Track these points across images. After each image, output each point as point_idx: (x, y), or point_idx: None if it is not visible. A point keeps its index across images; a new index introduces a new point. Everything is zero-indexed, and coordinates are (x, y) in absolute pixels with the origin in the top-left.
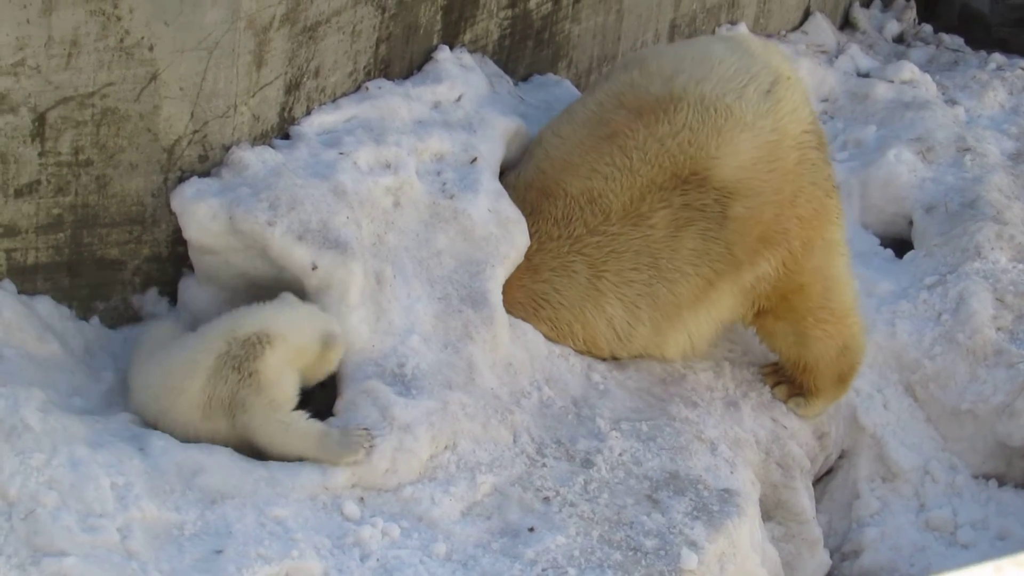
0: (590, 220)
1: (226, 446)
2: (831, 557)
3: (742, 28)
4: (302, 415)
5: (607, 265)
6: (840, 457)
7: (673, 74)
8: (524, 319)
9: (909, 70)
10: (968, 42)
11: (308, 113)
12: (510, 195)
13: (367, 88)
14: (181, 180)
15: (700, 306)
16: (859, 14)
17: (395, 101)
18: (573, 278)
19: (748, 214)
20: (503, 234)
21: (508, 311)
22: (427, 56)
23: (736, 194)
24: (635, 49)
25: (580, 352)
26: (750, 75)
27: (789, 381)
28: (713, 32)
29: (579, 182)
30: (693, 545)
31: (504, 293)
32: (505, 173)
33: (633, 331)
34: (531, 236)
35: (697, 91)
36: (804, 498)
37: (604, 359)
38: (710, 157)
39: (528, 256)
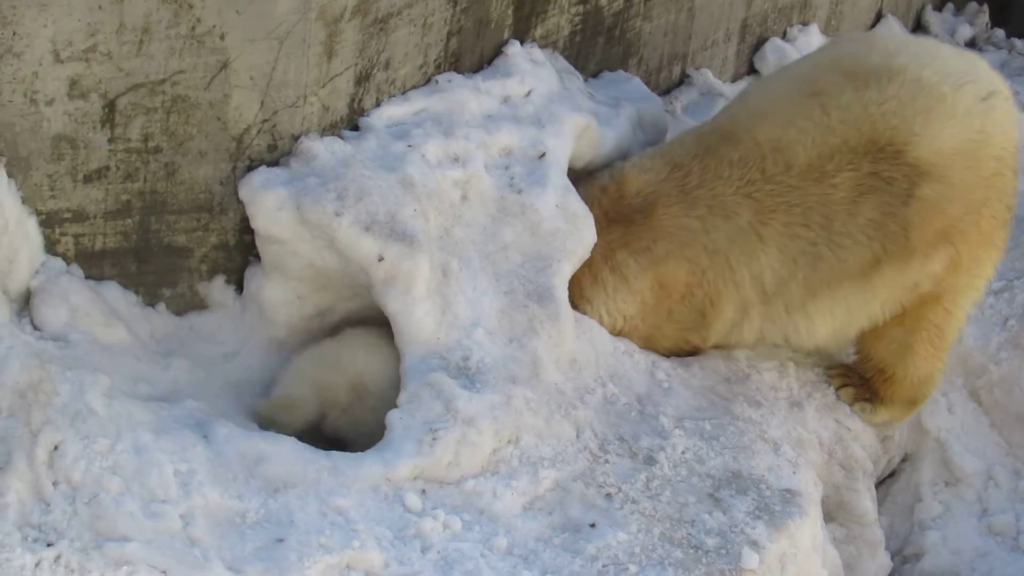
0: (769, 168)
1: None
2: (892, 560)
3: (813, 29)
4: None
5: (776, 215)
6: (903, 460)
7: (897, 52)
8: (665, 254)
9: None
10: None
11: (378, 105)
12: (688, 139)
13: (437, 81)
14: (250, 169)
15: (861, 285)
16: (931, 17)
17: (465, 95)
18: (731, 220)
19: (934, 200)
20: (570, 229)
21: (651, 241)
22: (497, 50)
23: (927, 176)
24: (706, 49)
25: (691, 312)
26: (972, 77)
27: (858, 384)
28: (784, 33)
29: (770, 130)
30: (754, 544)
31: (653, 220)
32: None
33: (784, 287)
34: (696, 173)
35: (916, 71)
36: (866, 500)
37: (708, 340)
38: (911, 133)
39: (687, 190)
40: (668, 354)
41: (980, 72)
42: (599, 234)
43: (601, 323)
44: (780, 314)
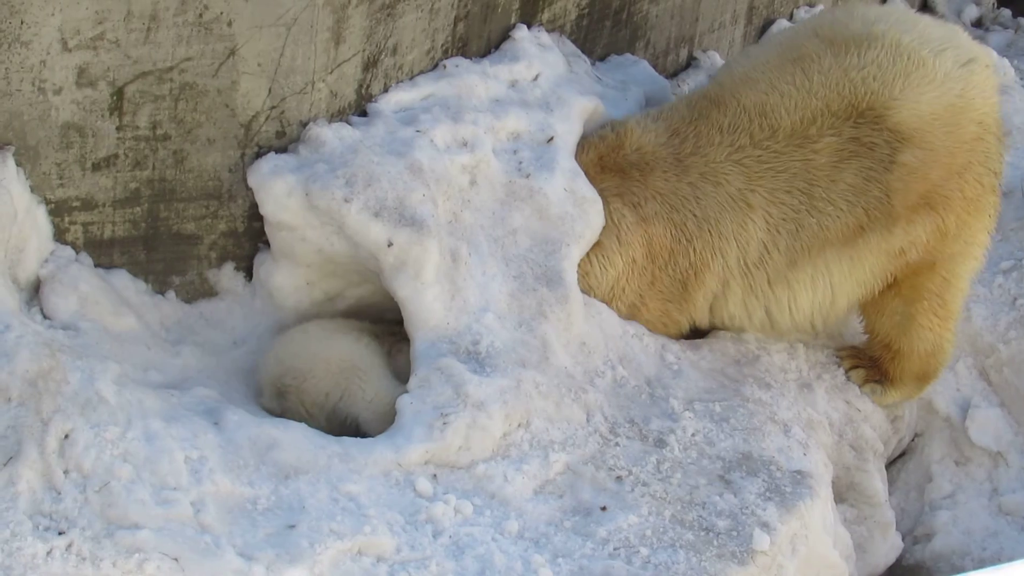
0: (756, 133)
1: None
2: (903, 540)
3: (820, 9)
4: None
5: (762, 181)
6: (913, 440)
7: (877, 20)
8: (654, 214)
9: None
10: None
11: (385, 90)
12: (682, 105)
13: (444, 66)
14: (258, 156)
15: (845, 253)
16: None
17: (472, 79)
18: (722, 187)
19: (916, 165)
20: (579, 213)
21: (643, 199)
22: (505, 35)
23: (908, 141)
24: (712, 31)
25: (672, 281)
26: (952, 44)
27: (868, 366)
28: (791, 15)
29: (755, 95)
30: (765, 526)
31: (648, 180)
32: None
33: (768, 257)
34: (691, 140)
35: (895, 37)
36: (877, 481)
37: (693, 316)
38: (891, 97)
39: (680, 157)
40: (653, 326)
41: (960, 39)
42: (593, 180)
43: (592, 272)
44: (762, 286)
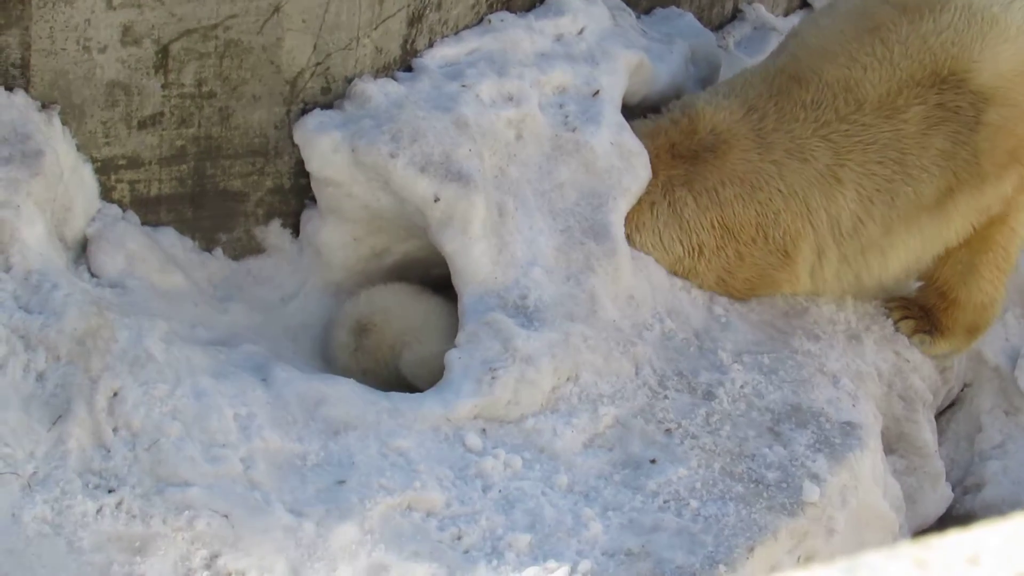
0: (842, 108)
1: None
2: (953, 490)
3: None
4: None
5: (852, 155)
6: (962, 390)
7: None
8: (733, 197)
9: None
10: None
11: (430, 46)
12: (756, 79)
13: (489, 21)
14: (304, 112)
15: (936, 215)
16: None
17: (518, 34)
18: (808, 163)
19: (1002, 123)
20: (625, 166)
21: (719, 183)
22: None
23: (992, 101)
24: None
25: (771, 252)
26: None
27: (917, 316)
28: None
29: (836, 70)
30: (815, 478)
31: (725, 163)
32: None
33: (862, 227)
34: (772, 116)
35: None
36: (926, 431)
37: (796, 281)
38: (971, 60)
39: (762, 135)
40: (750, 294)
41: None
42: (662, 167)
43: (650, 255)
44: (855, 255)
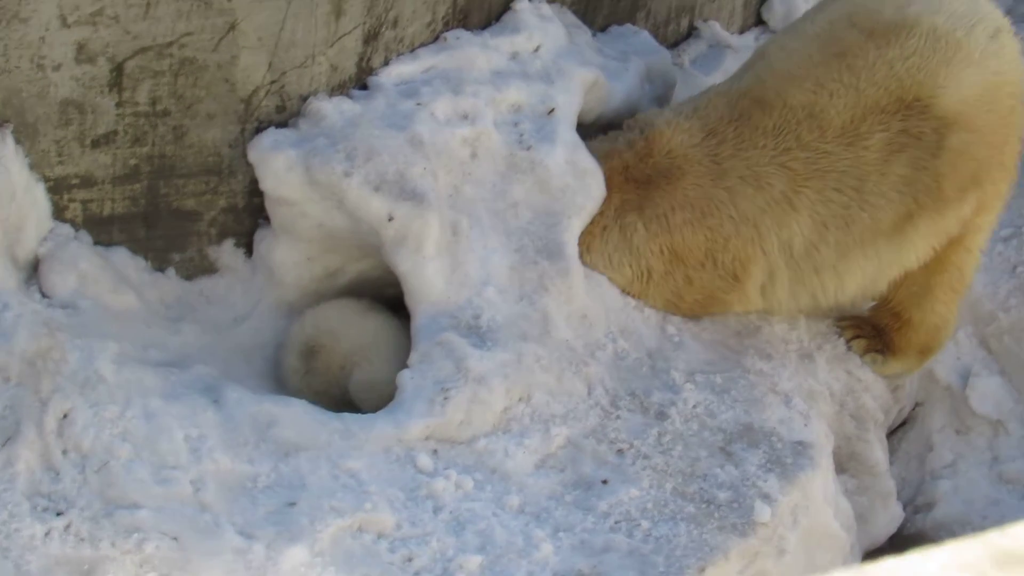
0: (804, 135)
1: None
2: (904, 510)
3: None
4: None
5: (809, 182)
6: (914, 409)
7: (906, 3)
8: (682, 222)
9: None
10: None
11: (386, 63)
12: (720, 102)
13: (445, 38)
14: (258, 131)
15: (894, 240)
16: None
17: (473, 52)
18: (763, 190)
19: (963, 147)
20: (580, 185)
21: (669, 210)
22: (505, 6)
23: (955, 126)
24: (713, 0)
25: (720, 277)
26: (978, 17)
27: (869, 336)
28: None
29: (802, 95)
30: (766, 498)
31: (677, 188)
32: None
33: (815, 251)
34: (730, 142)
35: (930, 21)
36: (878, 451)
37: (747, 302)
38: (936, 86)
39: (718, 160)
40: (700, 314)
41: (982, 9)
42: (615, 189)
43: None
44: (810, 276)
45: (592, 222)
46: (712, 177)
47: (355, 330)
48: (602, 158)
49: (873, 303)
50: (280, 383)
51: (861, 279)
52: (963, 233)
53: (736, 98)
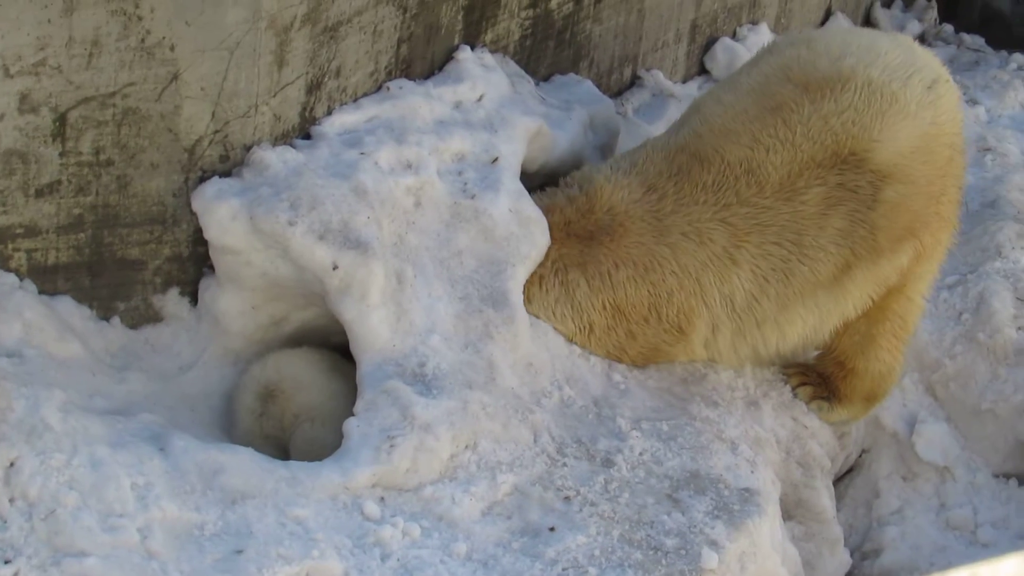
0: (743, 191)
1: None
2: (851, 556)
3: (763, 28)
4: None
5: (749, 237)
6: (861, 456)
7: (841, 55)
8: (625, 279)
9: None
10: (989, 42)
11: (329, 113)
12: (658, 157)
13: (388, 88)
14: (202, 180)
15: (833, 291)
16: (880, 14)
17: (416, 101)
18: (704, 245)
19: (899, 200)
20: (524, 234)
21: (612, 267)
22: (448, 56)
23: (890, 178)
24: (656, 50)
25: (664, 331)
26: (914, 68)
27: (815, 383)
28: (734, 33)
29: (739, 151)
30: (714, 544)
31: (619, 246)
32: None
33: (756, 304)
34: (671, 198)
35: (865, 74)
36: (824, 497)
37: (691, 354)
38: (871, 139)
39: (660, 216)
40: (643, 364)
41: (920, 60)
42: (557, 244)
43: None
44: (751, 329)
45: (532, 275)
46: (654, 234)
47: (316, 386)
48: (542, 213)
49: (818, 351)
50: (229, 425)
51: (802, 330)
52: (903, 282)
53: (674, 153)
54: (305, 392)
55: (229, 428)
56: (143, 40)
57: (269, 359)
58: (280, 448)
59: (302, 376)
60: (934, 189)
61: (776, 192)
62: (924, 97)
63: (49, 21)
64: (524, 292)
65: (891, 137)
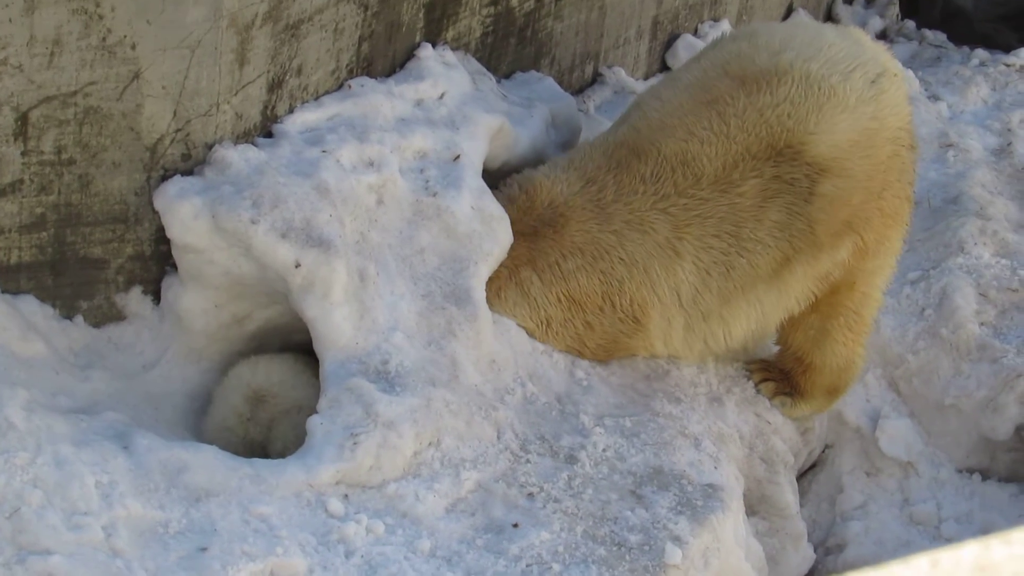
0: (680, 182)
1: None
2: (815, 551)
3: (724, 24)
4: None
5: (690, 228)
6: (824, 451)
7: (781, 49)
8: (575, 268)
9: None
10: (951, 38)
11: (291, 111)
12: (596, 152)
13: (350, 86)
14: (164, 179)
15: (774, 285)
16: (842, 10)
17: (378, 99)
18: (649, 235)
19: (836, 194)
20: (486, 231)
21: (560, 257)
22: (410, 54)
23: (827, 172)
24: (618, 47)
25: (620, 320)
26: (859, 62)
27: (777, 379)
28: (695, 29)
29: (674, 143)
30: (677, 540)
31: (564, 236)
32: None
33: (700, 297)
34: (611, 188)
35: (803, 67)
36: (788, 493)
37: (650, 347)
38: (807, 132)
39: (601, 206)
40: (605, 359)
41: (866, 53)
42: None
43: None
44: (698, 322)
45: (489, 284)
46: (597, 221)
47: (305, 391)
48: None
49: (778, 347)
50: (200, 421)
51: (747, 324)
52: (851, 278)
53: (613, 148)
54: (294, 396)
55: (198, 423)
56: (104, 39)
57: (260, 363)
58: (259, 454)
59: (294, 382)
60: (874, 184)
61: (712, 184)
62: (865, 91)
63: (10, 20)
64: (487, 303)
65: (828, 130)
